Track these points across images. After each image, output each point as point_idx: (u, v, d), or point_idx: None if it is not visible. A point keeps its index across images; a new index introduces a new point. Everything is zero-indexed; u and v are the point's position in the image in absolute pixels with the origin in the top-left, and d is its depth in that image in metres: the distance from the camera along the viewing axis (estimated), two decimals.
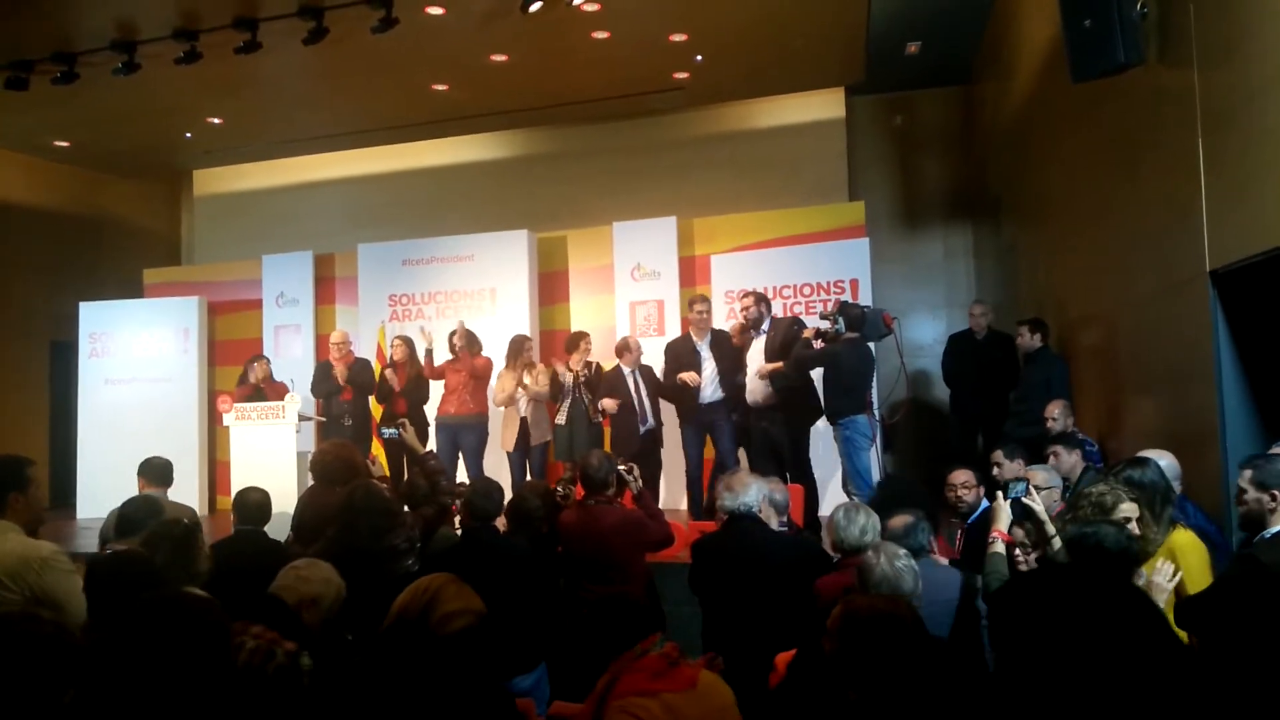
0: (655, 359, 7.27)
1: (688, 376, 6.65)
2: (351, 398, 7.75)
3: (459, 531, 4.36)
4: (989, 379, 7.07)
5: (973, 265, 9.85)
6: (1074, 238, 6.21)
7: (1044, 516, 3.37)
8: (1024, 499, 3.40)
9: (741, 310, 6.58)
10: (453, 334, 7.56)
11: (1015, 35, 7.40)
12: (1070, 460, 4.45)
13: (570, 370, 7.20)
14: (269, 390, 7.81)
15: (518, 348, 7.34)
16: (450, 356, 7.55)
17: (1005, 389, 6.79)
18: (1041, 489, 3.74)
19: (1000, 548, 3.33)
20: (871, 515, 3.55)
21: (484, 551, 3.85)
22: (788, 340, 6.25)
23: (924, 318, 9.80)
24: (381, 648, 2.23)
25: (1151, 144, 4.71)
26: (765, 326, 6.45)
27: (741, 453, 6.72)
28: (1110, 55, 4.41)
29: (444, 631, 2.18)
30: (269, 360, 8.21)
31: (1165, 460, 3.66)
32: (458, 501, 4.40)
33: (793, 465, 6.28)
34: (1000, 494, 3.51)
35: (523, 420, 7.25)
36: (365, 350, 8.78)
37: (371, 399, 7.90)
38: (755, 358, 6.40)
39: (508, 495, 4.40)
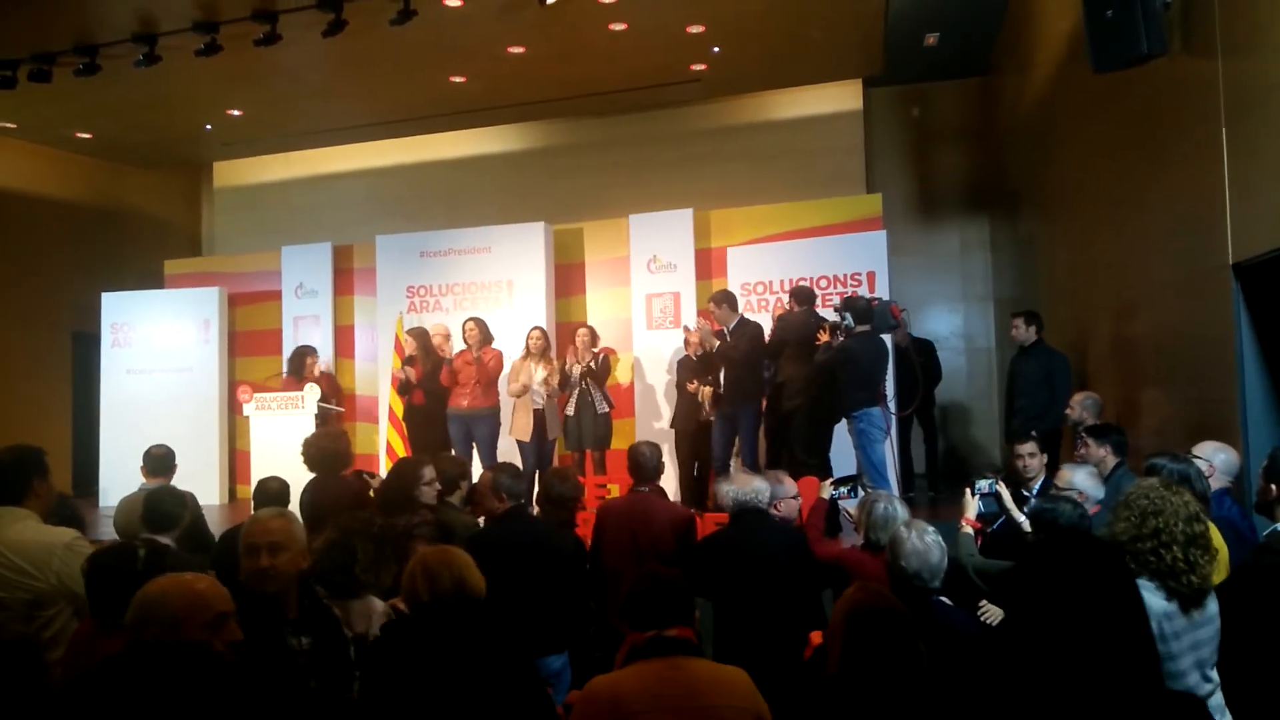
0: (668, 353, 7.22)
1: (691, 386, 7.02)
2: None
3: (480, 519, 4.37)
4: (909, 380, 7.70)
5: (989, 258, 9.79)
6: (1094, 230, 6.16)
7: (1010, 506, 4.00)
8: (993, 491, 4.03)
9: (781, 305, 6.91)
10: (466, 329, 7.47)
11: (1035, 27, 7.34)
12: (1099, 454, 4.27)
13: (578, 363, 7.24)
14: (325, 385, 7.87)
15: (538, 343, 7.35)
16: (464, 347, 7.52)
17: (927, 388, 7.87)
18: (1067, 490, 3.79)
19: (969, 530, 3.86)
20: (901, 508, 3.59)
21: (520, 533, 3.87)
22: (804, 335, 6.33)
23: (941, 310, 9.77)
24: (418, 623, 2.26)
25: (1174, 135, 4.68)
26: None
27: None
28: (1133, 45, 4.38)
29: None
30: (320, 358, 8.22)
31: (1224, 455, 3.67)
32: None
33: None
34: (969, 490, 4.04)
35: (538, 411, 7.25)
36: (384, 342, 8.81)
37: (392, 392, 7.95)
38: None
39: None
